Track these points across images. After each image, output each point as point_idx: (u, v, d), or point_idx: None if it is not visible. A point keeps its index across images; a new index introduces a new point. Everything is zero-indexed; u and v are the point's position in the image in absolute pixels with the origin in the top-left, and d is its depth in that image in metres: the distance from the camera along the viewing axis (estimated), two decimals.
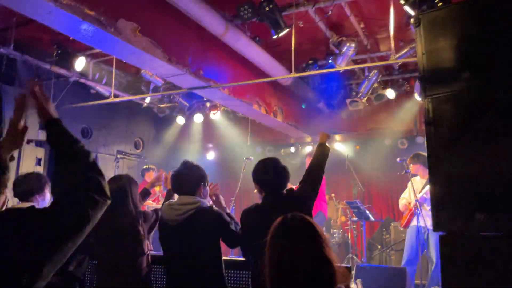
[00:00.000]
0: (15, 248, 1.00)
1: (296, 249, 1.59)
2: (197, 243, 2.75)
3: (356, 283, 3.27)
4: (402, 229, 5.77)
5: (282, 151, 9.68)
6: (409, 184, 5.25)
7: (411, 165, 5.29)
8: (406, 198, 5.43)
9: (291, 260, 1.58)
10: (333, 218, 7.90)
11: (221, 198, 3.19)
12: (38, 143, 6.44)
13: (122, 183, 3.03)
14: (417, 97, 6.81)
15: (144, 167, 7.20)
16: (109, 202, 1.23)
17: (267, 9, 4.71)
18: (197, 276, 2.72)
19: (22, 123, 1.45)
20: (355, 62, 6.58)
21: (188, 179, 2.88)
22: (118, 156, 8.53)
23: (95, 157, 1.31)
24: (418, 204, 4.98)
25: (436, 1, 4.11)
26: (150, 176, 6.83)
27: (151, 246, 3.30)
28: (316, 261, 1.57)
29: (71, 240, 1.11)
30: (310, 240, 1.62)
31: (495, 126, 2.45)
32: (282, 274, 1.58)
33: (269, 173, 2.81)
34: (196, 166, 2.96)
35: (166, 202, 3.00)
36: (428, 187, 4.70)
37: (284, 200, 2.74)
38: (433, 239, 4.97)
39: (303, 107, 8.24)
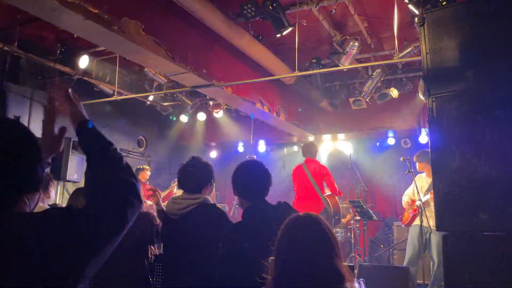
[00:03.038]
0: (59, 248, 1.01)
1: (304, 254, 1.52)
2: (197, 238, 2.70)
3: (359, 283, 3.26)
4: (404, 227, 5.76)
5: (285, 150, 9.68)
6: (413, 182, 5.25)
7: (417, 163, 5.30)
8: (409, 195, 5.42)
9: (298, 264, 1.51)
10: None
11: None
12: None
13: None
14: (420, 96, 6.79)
15: (138, 167, 7.22)
16: (142, 206, 1.23)
17: (270, 7, 4.70)
18: (194, 271, 2.68)
19: (55, 127, 1.41)
20: (359, 61, 6.56)
21: (195, 176, 2.82)
22: (121, 154, 8.53)
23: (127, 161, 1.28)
24: (421, 203, 4.97)
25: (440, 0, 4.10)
26: (143, 176, 6.83)
27: (156, 251, 3.26)
28: (324, 270, 1.49)
29: (111, 242, 1.11)
30: (320, 247, 1.53)
31: (499, 126, 2.44)
32: (287, 278, 1.51)
33: (246, 177, 2.39)
34: (204, 163, 2.90)
35: (171, 197, 3.00)
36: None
37: (272, 214, 2.21)
38: (435, 239, 4.96)
39: (299, 110, 8.23)
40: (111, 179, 1.21)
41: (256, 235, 2.10)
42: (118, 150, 1.31)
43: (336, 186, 5.94)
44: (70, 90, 1.35)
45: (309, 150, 6.13)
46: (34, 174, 1.13)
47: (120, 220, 1.14)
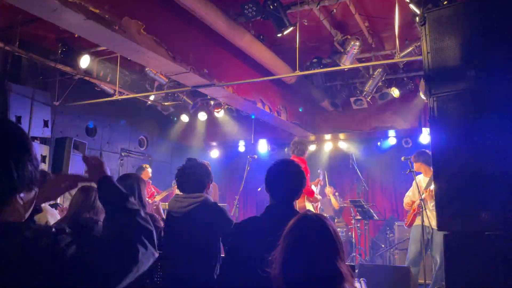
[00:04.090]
0: (66, 273, 1.01)
1: (306, 253, 1.53)
2: (198, 236, 2.72)
3: (360, 282, 3.26)
4: (406, 228, 5.76)
5: (286, 149, 9.67)
6: (414, 183, 5.24)
7: (414, 163, 5.31)
8: (410, 196, 5.43)
9: (300, 262, 1.52)
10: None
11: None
12: (43, 141, 6.46)
13: (131, 182, 3.04)
14: (422, 95, 6.79)
15: (139, 166, 7.26)
16: (156, 255, 1.24)
17: (271, 7, 4.70)
18: (195, 267, 2.69)
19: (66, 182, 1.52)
20: (360, 60, 6.56)
21: (194, 177, 2.86)
22: (123, 154, 8.56)
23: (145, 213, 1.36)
24: (422, 202, 4.96)
25: None
26: (146, 175, 6.84)
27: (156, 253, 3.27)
28: (325, 269, 1.51)
29: (118, 283, 1.11)
30: (322, 247, 1.54)
31: (500, 125, 2.44)
32: (289, 275, 1.53)
33: (277, 178, 2.27)
34: (201, 164, 2.95)
35: (174, 195, 3.03)
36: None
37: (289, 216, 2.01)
38: (437, 239, 4.95)
39: (300, 110, 8.22)
40: (128, 224, 1.25)
41: (264, 231, 2.02)
42: (135, 204, 1.36)
43: (308, 185, 5.79)
44: (98, 159, 1.50)
45: (296, 148, 6.07)
46: (25, 172, 1.10)
47: (130, 258, 1.13)
